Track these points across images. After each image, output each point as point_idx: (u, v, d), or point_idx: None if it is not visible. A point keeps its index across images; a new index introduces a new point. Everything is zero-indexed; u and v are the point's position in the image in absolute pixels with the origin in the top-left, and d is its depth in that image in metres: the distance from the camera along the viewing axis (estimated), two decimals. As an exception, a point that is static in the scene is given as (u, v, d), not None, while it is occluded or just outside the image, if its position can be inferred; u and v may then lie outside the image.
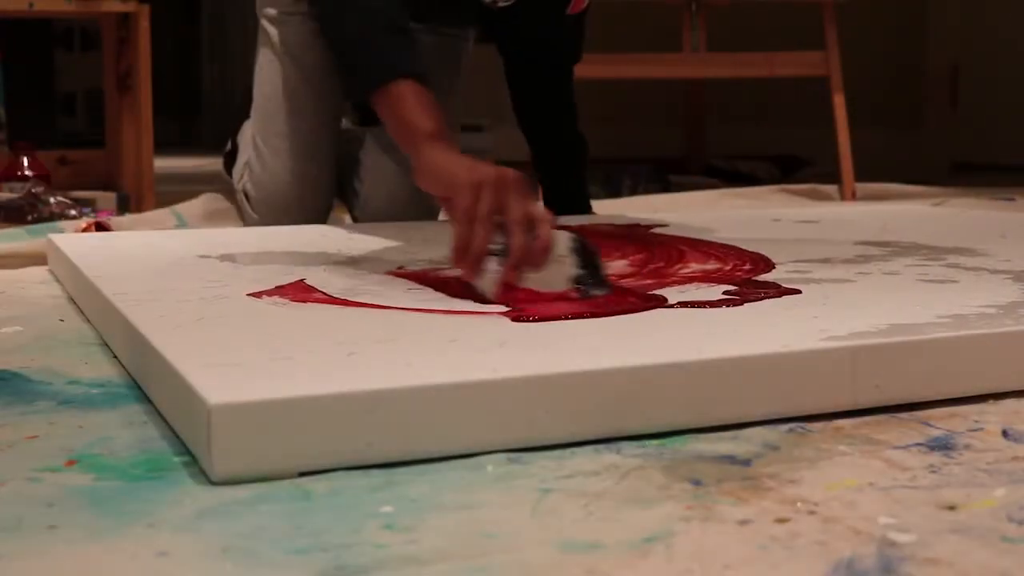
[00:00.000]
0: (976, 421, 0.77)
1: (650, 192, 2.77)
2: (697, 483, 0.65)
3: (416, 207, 1.71)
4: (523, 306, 0.95)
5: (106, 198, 2.28)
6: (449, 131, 1.21)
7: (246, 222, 1.71)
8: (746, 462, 0.68)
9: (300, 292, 1.04)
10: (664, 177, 2.96)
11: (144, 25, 2.23)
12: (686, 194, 2.60)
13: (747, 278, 1.13)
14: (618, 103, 3.81)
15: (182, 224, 1.83)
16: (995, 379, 0.83)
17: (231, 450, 0.64)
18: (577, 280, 1.00)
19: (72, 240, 1.44)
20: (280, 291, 1.04)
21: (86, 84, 5.12)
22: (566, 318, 0.92)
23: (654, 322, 0.91)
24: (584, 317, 0.92)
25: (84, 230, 1.69)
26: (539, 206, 1.03)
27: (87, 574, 0.52)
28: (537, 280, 0.99)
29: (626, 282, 1.11)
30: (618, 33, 3.44)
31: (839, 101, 2.54)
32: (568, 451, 0.70)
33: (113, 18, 2.37)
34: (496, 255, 0.99)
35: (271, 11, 1.67)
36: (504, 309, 0.96)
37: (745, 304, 0.98)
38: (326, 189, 1.69)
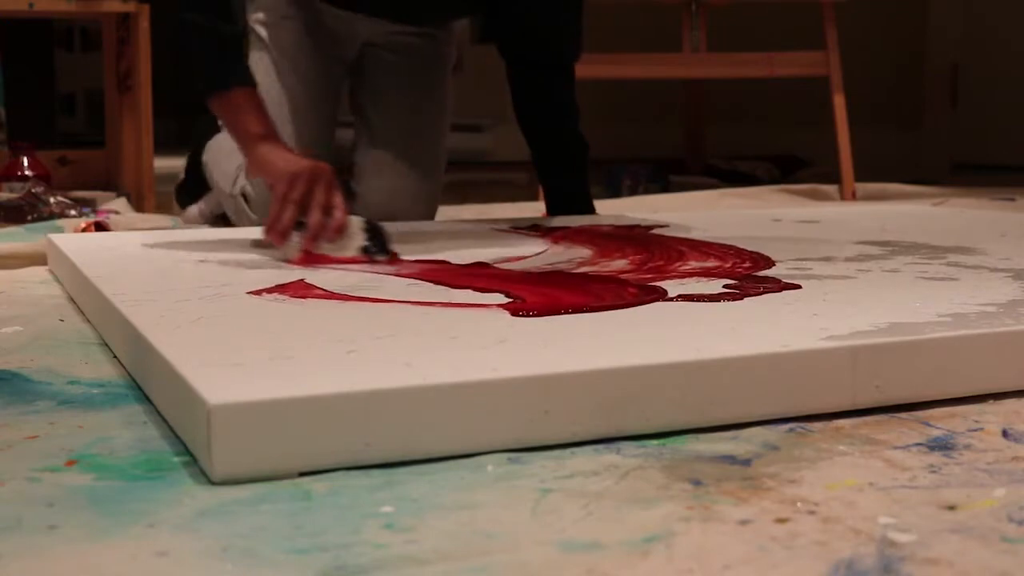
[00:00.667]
0: (976, 421, 0.77)
1: (650, 192, 2.77)
2: (697, 483, 0.65)
3: (414, 205, 1.73)
4: (523, 301, 0.95)
5: (107, 198, 2.28)
6: (276, 132, 1.40)
7: (241, 225, 1.71)
8: (746, 462, 0.68)
9: (300, 290, 1.04)
10: (664, 177, 2.96)
11: (144, 25, 2.23)
12: (686, 194, 2.60)
13: (747, 274, 1.14)
14: (618, 103, 3.81)
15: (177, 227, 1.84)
16: (995, 379, 0.83)
17: (231, 450, 0.64)
18: (364, 249, 1.26)
19: (72, 240, 1.44)
20: (280, 289, 1.04)
21: (86, 84, 5.12)
22: (566, 312, 0.92)
23: (654, 319, 0.91)
24: (584, 311, 0.93)
25: (83, 230, 1.69)
26: (338, 196, 1.29)
27: (87, 574, 0.52)
28: (332, 248, 1.26)
29: (627, 278, 1.11)
30: (618, 33, 3.44)
31: (839, 101, 2.54)
32: (568, 451, 0.70)
33: (113, 18, 2.37)
34: (300, 231, 1.27)
35: (262, 16, 1.70)
36: (503, 301, 0.97)
37: (745, 298, 0.99)
38: None
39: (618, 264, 1.22)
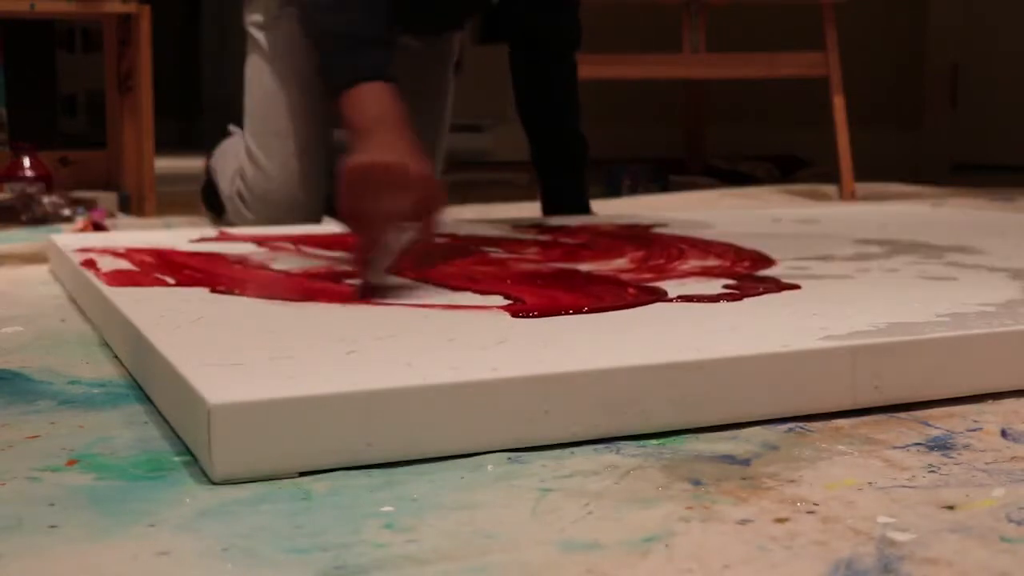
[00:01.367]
0: (975, 421, 0.77)
1: (650, 192, 2.77)
2: (697, 483, 0.65)
3: None
4: (523, 303, 0.96)
5: (107, 198, 2.29)
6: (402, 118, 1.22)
7: (240, 225, 1.72)
8: (745, 462, 0.68)
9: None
10: (664, 177, 2.96)
11: (145, 26, 2.24)
12: (686, 194, 2.60)
13: (747, 273, 1.14)
14: (618, 103, 3.81)
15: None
16: (994, 379, 0.84)
17: (231, 450, 0.64)
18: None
19: (73, 240, 1.44)
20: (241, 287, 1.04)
21: (87, 85, 5.12)
22: (566, 312, 0.92)
23: (654, 319, 0.91)
24: (584, 312, 0.93)
25: (81, 230, 1.69)
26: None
27: (87, 574, 0.52)
28: None
29: (626, 278, 1.11)
30: (618, 33, 3.44)
31: (839, 101, 2.54)
32: (568, 451, 0.70)
33: (114, 19, 2.37)
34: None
35: (258, 17, 1.71)
36: (503, 303, 0.97)
37: (744, 299, 0.99)
38: (320, 188, 1.70)
39: (618, 263, 1.23)
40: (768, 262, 1.22)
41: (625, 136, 3.86)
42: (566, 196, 1.78)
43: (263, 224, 1.65)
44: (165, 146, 2.93)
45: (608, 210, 2.13)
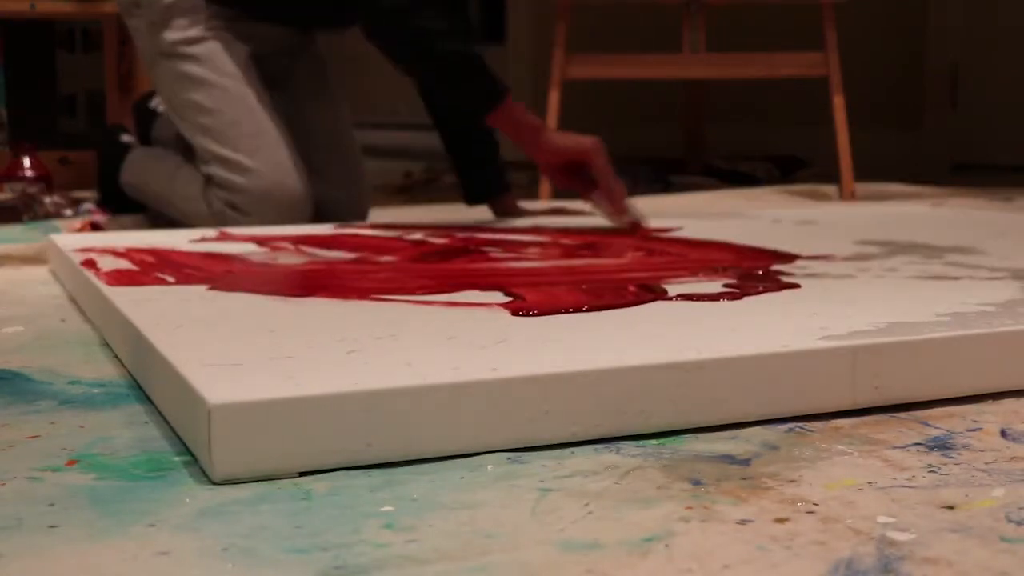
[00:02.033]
0: (975, 421, 0.77)
1: (650, 192, 2.77)
2: (696, 483, 0.65)
3: (348, 207, 1.82)
4: (523, 300, 0.96)
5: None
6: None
7: None
8: (745, 462, 0.69)
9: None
10: (664, 177, 2.96)
11: (144, 26, 2.23)
12: (686, 194, 2.60)
13: (747, 272, 1.14)
14: (618, 103, 3.81)
15: None
16: (994, 379, 0.84)
17: (231, 450, 0.64)
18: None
19: (73, 241, 1.44)
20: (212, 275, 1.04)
21: (88, 85, 5.11)
22: (565, 311, 0.92)
23: (653, 318, 0.91)
24: (583, 311, 0.93)
25: (79, 230, 1.69)
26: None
27: (87, 574, 0.52)
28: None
29: (626, 277, 1.11)
30: (618, 33, 3.44)
31: (839, 102, 2.54)
32: (568, 451, 0.70)
33: (114, 19, 2.37)
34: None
35: (183, 35, 1.73)
36: (504, 300, 0.97)
37: (744, 298, 0.99)
38: (304, 174, 1.73)
39: (618, 262, 1.23)
40: (767, 261, 1.22)
41: (625, 136, 3.86)
42: (487, 180, 1.85)
43: (266, 223, 1.65)
44: (165, 146, 2.92)
45: (608, 210, 2.13)
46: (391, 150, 4.15)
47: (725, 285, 1.06)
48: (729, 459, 0.69)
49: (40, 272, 1.43)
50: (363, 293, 1.02)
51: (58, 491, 0.63)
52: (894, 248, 1.35)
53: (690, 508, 0.61)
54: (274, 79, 1.82)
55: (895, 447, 0.71)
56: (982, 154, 3.49)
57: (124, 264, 1.21)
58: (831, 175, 2.65)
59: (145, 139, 2.09)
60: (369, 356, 0.77)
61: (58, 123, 4.34)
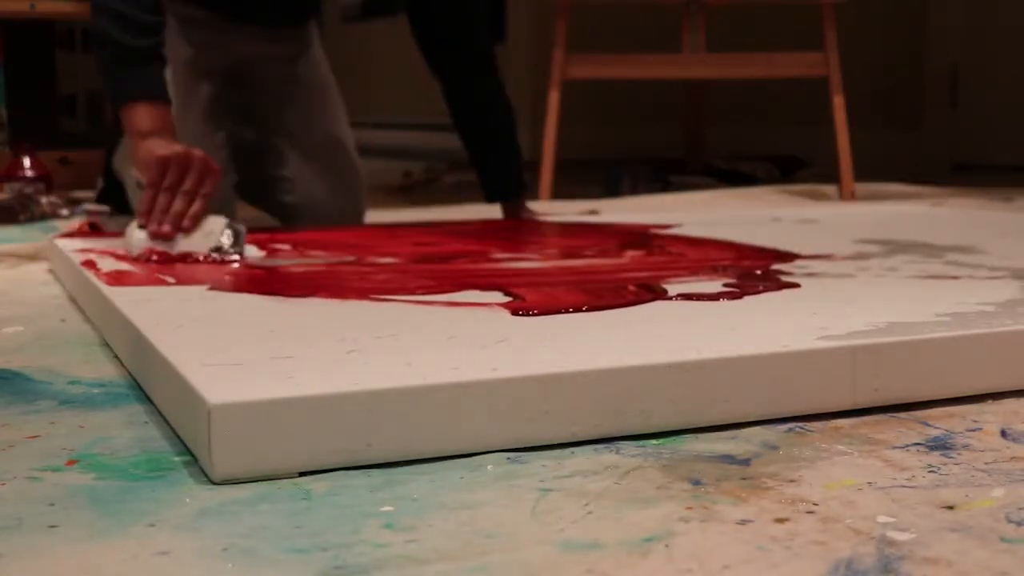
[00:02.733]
0: (975, 421, 0.77)
1: (650, 192, 2.77)
2: (696, 483, 0.65)
3: (345, 209, 1.80)
4: (523, 300, 0.96)
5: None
6: (171, 131, 1.37)
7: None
8: (745, 462, 0.69)
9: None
10: (664, 177, 2.96)
11: (144, 26, 2.23)
12: (686, 194, 2.60)
13: (746, 272, 1.14)
14: (618, 103, 3.81)
15: None
16: (994, 379, 0.84)
17: (231, 450, 0.64)
18: (215, 249, 1.25)
19: (73, 241, 1.44)
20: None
21: (88, 85, 5.11)
22: (565, 311, 0.92)
23: (653, 318, 0.91)
24: (584, 310, 0.93)
25: (77, 230, 1.68)
26: (209, 185, 1.29)
27: (87, 574, 0.52)
28: (185, 243, 1.26)
29: (626, 276, 1.11)
30: (618, 33, 3.44)
31: (839, 102, 2.54)
32: (568, 451, 0.70)
33: (113, 19, 2.36)
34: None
35: None
36: (503, 300, 0.97)
37: (744, 297, 0.99)
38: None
39: (618, 262, 1.23)
40: (767, 260, 1.22)
41: (625, 136, 3.86)
42: (505, 181, 1.82)
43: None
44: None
45: (608, 210, 2.13)
46: (391, 150, 4.15)
47: (725, 285, 1.06)
48: (729, 459, 0.69)
49: (41, 272, 1.43)
50: (363, 293, 1.02)
51: (58, 491, 0.63)
52: (894, 248, 1.35)
53: (690, 508, 0.61)
54: (273, 81, 1.81)
55: (895, 447, 0.71)
56: (982, 154, 3.49)
57: (124, 265, 1.21)
58: (831, 175, 2.65)
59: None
60: (369, 356, 0.77)
61: (58, 123, 4.34)
